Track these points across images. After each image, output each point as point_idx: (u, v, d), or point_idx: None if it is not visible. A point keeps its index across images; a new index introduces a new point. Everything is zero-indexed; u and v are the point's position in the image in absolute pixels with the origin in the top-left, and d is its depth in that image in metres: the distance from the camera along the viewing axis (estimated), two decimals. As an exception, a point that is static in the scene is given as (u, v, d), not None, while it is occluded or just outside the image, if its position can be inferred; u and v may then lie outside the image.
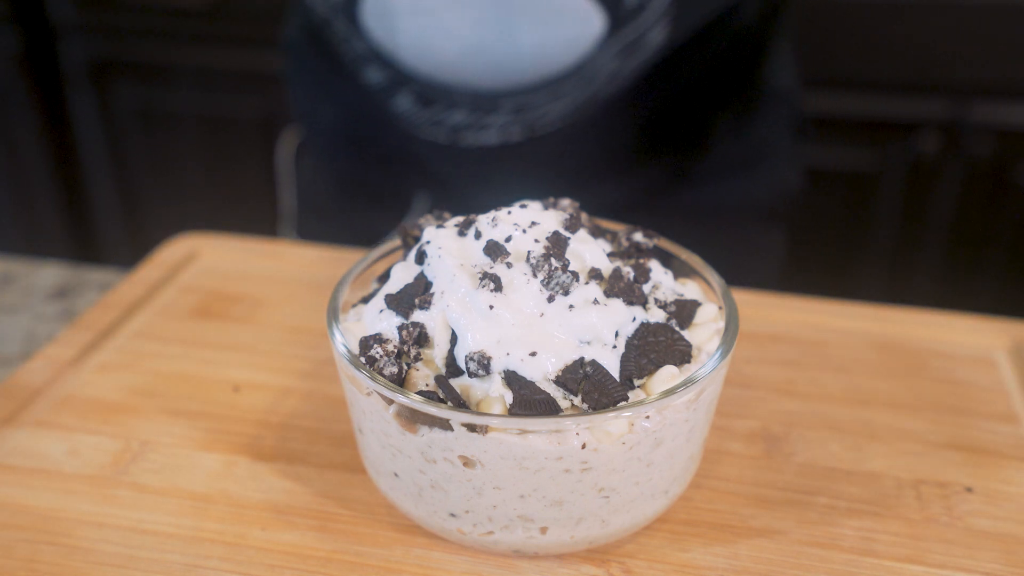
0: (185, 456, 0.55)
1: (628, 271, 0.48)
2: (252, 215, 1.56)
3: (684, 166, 0.87)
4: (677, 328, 0.47)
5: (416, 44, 0.73)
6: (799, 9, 0.91)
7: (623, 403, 0.43)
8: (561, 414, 0.43)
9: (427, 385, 0.45)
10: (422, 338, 0.46)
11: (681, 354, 0.46)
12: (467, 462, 0.44)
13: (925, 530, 0.51)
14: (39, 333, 0.74)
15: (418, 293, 0.47)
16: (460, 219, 0.51)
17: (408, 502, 0.48)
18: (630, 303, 0.46)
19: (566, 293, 0.45)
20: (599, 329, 0.45)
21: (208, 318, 0.69)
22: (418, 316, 0.46)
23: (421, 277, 0.48)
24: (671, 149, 0.86)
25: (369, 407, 0.46)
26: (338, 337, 0.47)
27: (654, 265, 0.50)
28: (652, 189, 0.86)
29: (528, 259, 0.46)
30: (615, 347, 0.45)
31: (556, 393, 0.43)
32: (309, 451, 0.56)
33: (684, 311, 0.48)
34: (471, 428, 0.42)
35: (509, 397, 0.42)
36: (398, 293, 0.48)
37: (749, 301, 0.70)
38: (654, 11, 0.71)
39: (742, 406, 0.60)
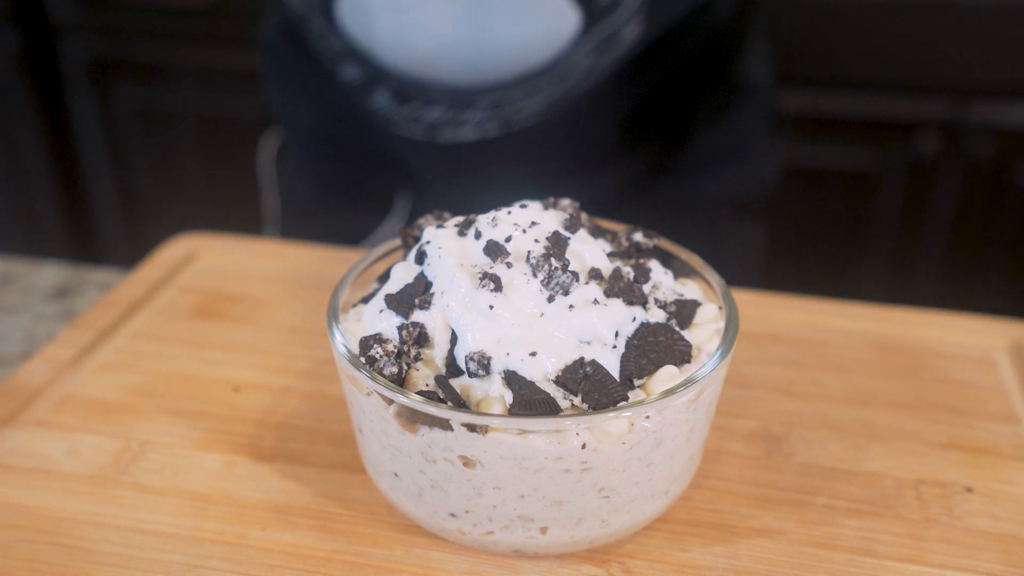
0: (185, 456, 0.55)
1: (628, 271, 0.48)
2: (252, 215, 1.55)
3: (662, 160, 0.87)
4: (677, 328, 0.47)
5: (392, 41, 0.73)
6: (799, 9, 0.91)
7: (623, 403, 0.43)
8: (561, 414, 0.43)
9: (427, 385, 0.45)
10: (422, 338, 0.46)
11: (681, 354, 0.46)
12: (467, 462, 0.44)
13: (925, 530, 0.51)
14: (39, 333, 0.74)
15: (418, 293, 0.47)
16: (460, 219, 0.51)
17: (408, 502, 0.48)
18: (630, 303, 0.46)
19: (566, 293, 0.45)
20: (599, 329, 0.45)
21: (208, 318, 0.69)
22: (418, 316, 0.46)
23: (421, 277, 0.48)
24: (648, 144, 0.86)
25: (369, 407, 0.46)
26: (338, 337, 0.47)
27: (654, 265, 0.50)
28: (629, 184, 0.87)
29: (528, 259, 0.46)
30: (615, 347, 0.45)
31: (556, 393, 0.43)
32: (309, 451, 0.56)
33: (684, 311, 0.48)
34: (471, 428, 0.42)
35: (509, 397, 0.42)
36: (398, 293, 0.48)
37: (749, 301, 0.70)
38: (628, 7, 0.71)
39: (742, 406, 0.60)
